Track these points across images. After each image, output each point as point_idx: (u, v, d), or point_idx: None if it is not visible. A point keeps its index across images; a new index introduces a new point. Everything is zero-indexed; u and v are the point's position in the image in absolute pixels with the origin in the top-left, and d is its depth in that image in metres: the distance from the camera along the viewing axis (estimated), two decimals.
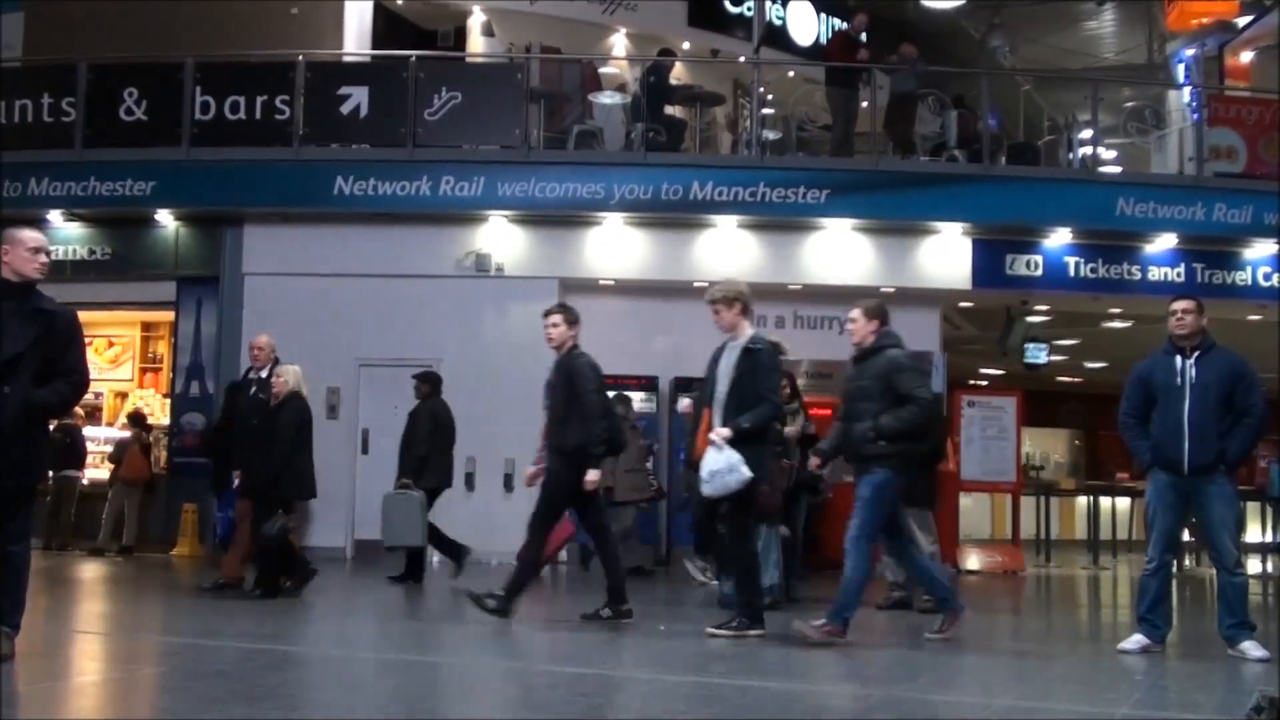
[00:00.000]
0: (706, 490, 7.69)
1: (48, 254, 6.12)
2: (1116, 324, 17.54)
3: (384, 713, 5.45)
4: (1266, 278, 14.45)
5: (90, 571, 12.34)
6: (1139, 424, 7.57)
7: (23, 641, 6.07)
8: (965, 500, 15.17)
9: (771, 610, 9.39)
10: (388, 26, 17.36)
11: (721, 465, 7.53)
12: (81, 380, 6.14)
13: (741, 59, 18.04)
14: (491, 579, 12.06)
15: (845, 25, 17.50)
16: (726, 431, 7.54)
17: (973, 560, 14.34)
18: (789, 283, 14.27)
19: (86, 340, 6.39)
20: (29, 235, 6.03)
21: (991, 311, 16.86)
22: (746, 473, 7.49)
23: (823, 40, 19.62)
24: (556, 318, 8.91)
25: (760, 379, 7.74)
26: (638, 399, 14.03)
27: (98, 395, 16.58)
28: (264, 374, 10.06)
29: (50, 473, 12.34)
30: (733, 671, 6.93)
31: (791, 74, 18.45)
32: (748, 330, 7.94)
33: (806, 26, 20.05)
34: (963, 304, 16.16)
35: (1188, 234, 14.20)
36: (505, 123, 13.98)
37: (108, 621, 8.92)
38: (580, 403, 8.44)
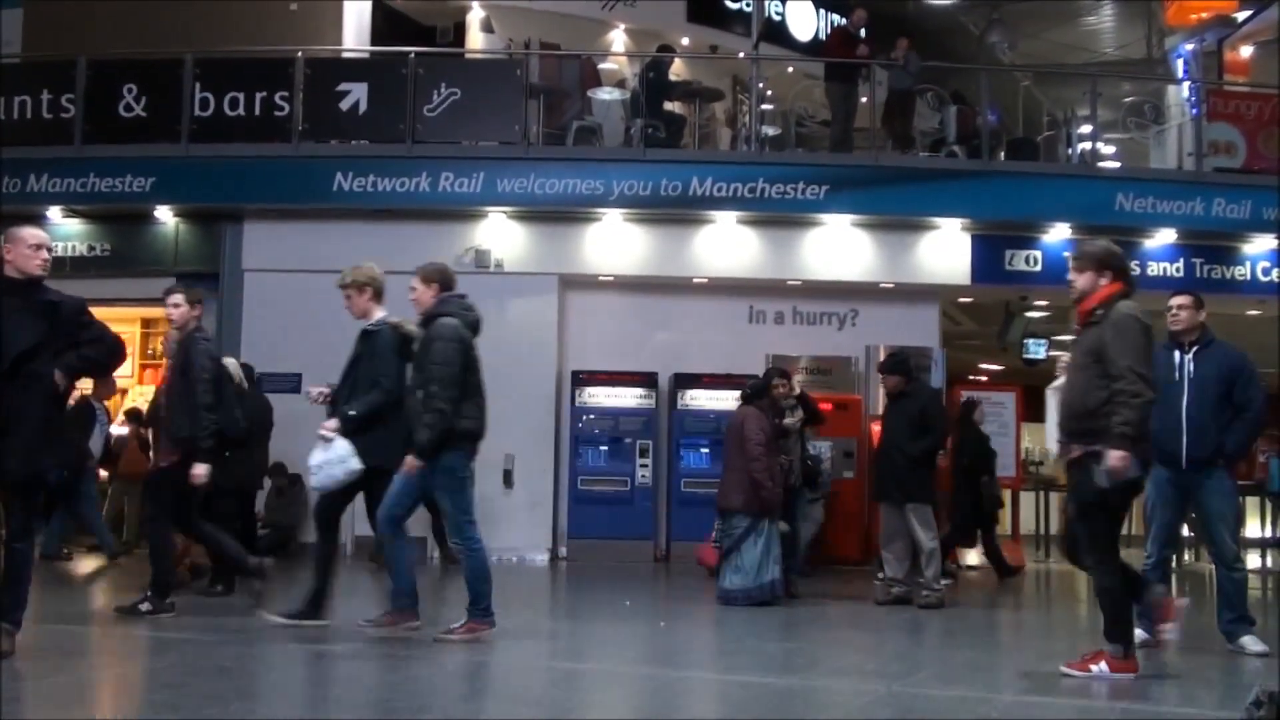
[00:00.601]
0: (314, 483, 7.40)
1: (50, 250, 6.16)
2: None
3: (385, 709, 5.45)
4: (1265, 273, 14.45)
5: (91, 568, 12.35)
6: None
7: (23, 638, 6.08)
8: None
9: (772, 605, 9.45)
10: (387, 23, 17.35)
11: (330, 457, 7.23)
12: (114, 339, 6.33)
13: (740, 55, 18.01)
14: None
15: (844, 21, 17.50)
16: (333, 423, 7.25)
17: (972, 556, 14.34)
18: (788, 278, 14.27)
19: None
20: (29, 232, 6.10)
21: (991, 307, 16.87)
22: (356, 464, 7.18)
23: (821, 36, 19.61)
24: (177, 298, 8.32)
25: (377, 363, 7.35)
26: (636, 395, 14.04)
27: None
28: None
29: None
30: (734, 667, 6.95)
31: (790, 70, 18.45)
32: (378, 315, 7.62)
33: (805, 22, 20.04)
34: (962, 299, 16.17)
35: (1187, 229, 14.19)
36: (504, 119, 13.96)
37: (108, 618, 8.91)
38: (192, 390, 7.98)
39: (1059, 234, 14.29)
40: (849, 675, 6.75)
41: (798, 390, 10.78)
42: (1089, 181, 14.45)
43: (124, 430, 14.88)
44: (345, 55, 16.10)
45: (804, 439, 10.78)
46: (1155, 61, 20.37)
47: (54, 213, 14.13)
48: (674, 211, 13.89)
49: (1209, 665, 7.09)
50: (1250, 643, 7.23)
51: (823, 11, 20.25)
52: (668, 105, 15.10)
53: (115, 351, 6.47)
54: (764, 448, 9.54)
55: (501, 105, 13.99)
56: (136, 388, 16.53)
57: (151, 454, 14.21)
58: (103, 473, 13.92)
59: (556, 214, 13.96)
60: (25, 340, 5.89)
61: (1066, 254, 6.59)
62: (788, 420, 10.18)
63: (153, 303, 15.04)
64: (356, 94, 13.86)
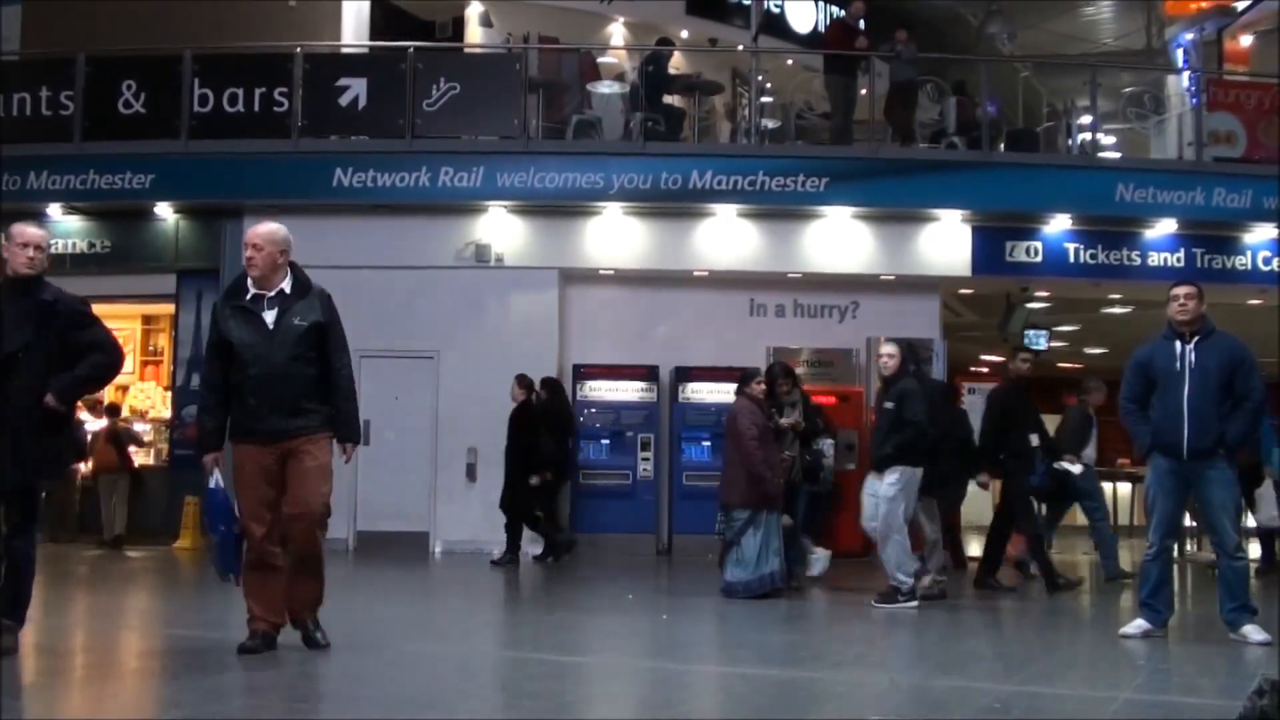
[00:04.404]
0: None
1: (38, 248, 6.10)
2: (1116, 310, 17.53)
3: (388, 705, 5.45)
4: (1266, 262, 14.44)
5: (92, 565, 12.36)
6: (1139, 409, 7.58)
7: (26, 635, 6.09)
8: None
9: (774, 598, 9.46)
10: (385, 18, 17.34)
11: None
12: (114, 349, 6.25)
13: (740, 47, 18.01)
14: (492, 570, 12.13)
15: (843, 13, 17.50)
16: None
17: (975, 547, 14.34)
18: (789, 271, 14.26)
19: None
20: (18, 230, 6.09)
21: (992, 298, 16.85)
22: None
23: (820, 28, 19.59)
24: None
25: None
26: (637, 389, 14.03)
27: None
28: None
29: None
30: (736, 660, 6.95)
31: (790, 62, 18.44)
32: None
33: (804, 14, 20.01)
34: (963, 291, 16.16)
35: (1187, 219, 14.18)
36: (504, 113, 13.94)
37: (111, 615, 8.93)
38: None
39: (1060, 225, 14.28)
40: (851, 667, 6.76)
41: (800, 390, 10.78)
42: (1089, 172, 14.43)
43: (101, 424, 14.77)
44: (344, 51, 16.10)
45: (817, 434, 10.80)
46: (1155, 51, 20.34)
47: (54, 209, 14.14)
48: (674, 205, 13.88)
49: (1211, 654, 7.10)
50: (1252, 631, 7.24)
51: (822, 4, 20.21)
52: (667, 98, 15.07)
53: (115, 363, 6.37)
54: (757, 441, 9.55)
55: (501, 100, 13.97)
56: (137, 384, 16.54)
57: (131, 450, 14.34)
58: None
59: (556, 208, 13.96)
60: (12, 343, 5.86)
61: None
62: (784, 420, 10.17)
63: (153, 299, 15.21)
64: (356, 89, 13.85)
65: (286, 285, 6.44)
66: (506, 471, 12.69)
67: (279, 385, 6.21)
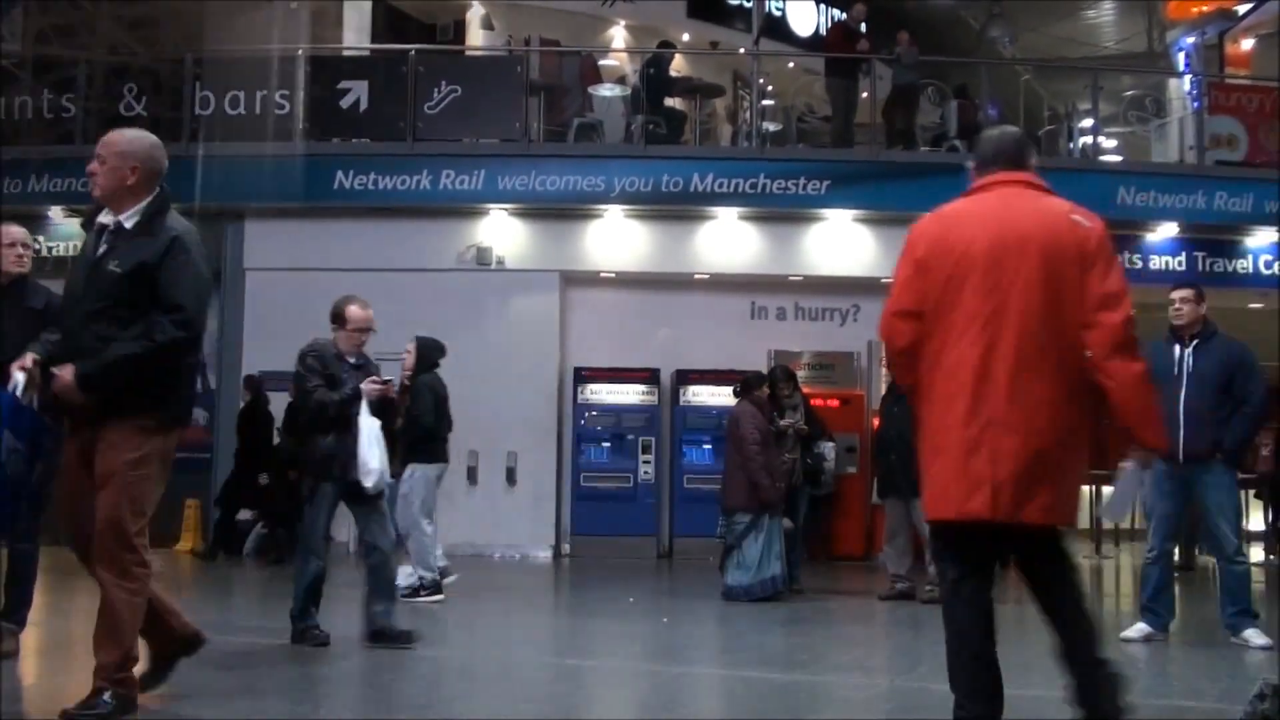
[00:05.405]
0: None
1: (25, 245, 6.09)
2: None
3: (388, 706, 5.46)
4: (1268, 265, 14.45)
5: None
6: None
7: (26, 637, 6.09)
8: None
9: (775, 601, 9.46)
10: (387, 20, 17.39)
11: None
12: None
13: (741, 50, 18.05)
14: (492, 572, 12.13)
15: (844, 16, 17.53)
16: None
17: None
18: (790, 274, 14.27)
19: None
20: (4, 230, 6.04)
21: None
22: None
23: (822, 31, 19.64)
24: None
25: None
26: (638, 392, 14.02)
27: None
28: None
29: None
30: (737, 663, 6.95)
31: (791, 65, 18.47)
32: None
33: (806, 17, 20.06)
34: None
35: (1189, 222, 14.18)
36: (505, 116, 13.95)
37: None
38: None
39: None
40: (851, 670, 6.76)
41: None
42: (1090, 175, 14.40)
43: None
44: (346, 53, 16.11)
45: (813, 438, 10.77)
46: (1156, 55, 20.38)
47: (55, 213, 14.13)
48: (675, 208, 13.88)
49: (1212, 658, 7.09)
50: (1253, 636, 7.23)
51: (823, 6, 20.27)
52: (668, 101, 15.10)
53: None
54: (759, 446, 9.55)
55: (502, 102, 13.98)
56: None
57: None
58: None
59: (558, 211, 13.96)
60: (11, 347, 5.84)
61: None
62: (784, 421, 10.17)
63: None
64: (357, 92, 13.86)
65: (130, 219, 4.75)
66: (232, 470, 13.06)
67: (75, 349, 4.70)
